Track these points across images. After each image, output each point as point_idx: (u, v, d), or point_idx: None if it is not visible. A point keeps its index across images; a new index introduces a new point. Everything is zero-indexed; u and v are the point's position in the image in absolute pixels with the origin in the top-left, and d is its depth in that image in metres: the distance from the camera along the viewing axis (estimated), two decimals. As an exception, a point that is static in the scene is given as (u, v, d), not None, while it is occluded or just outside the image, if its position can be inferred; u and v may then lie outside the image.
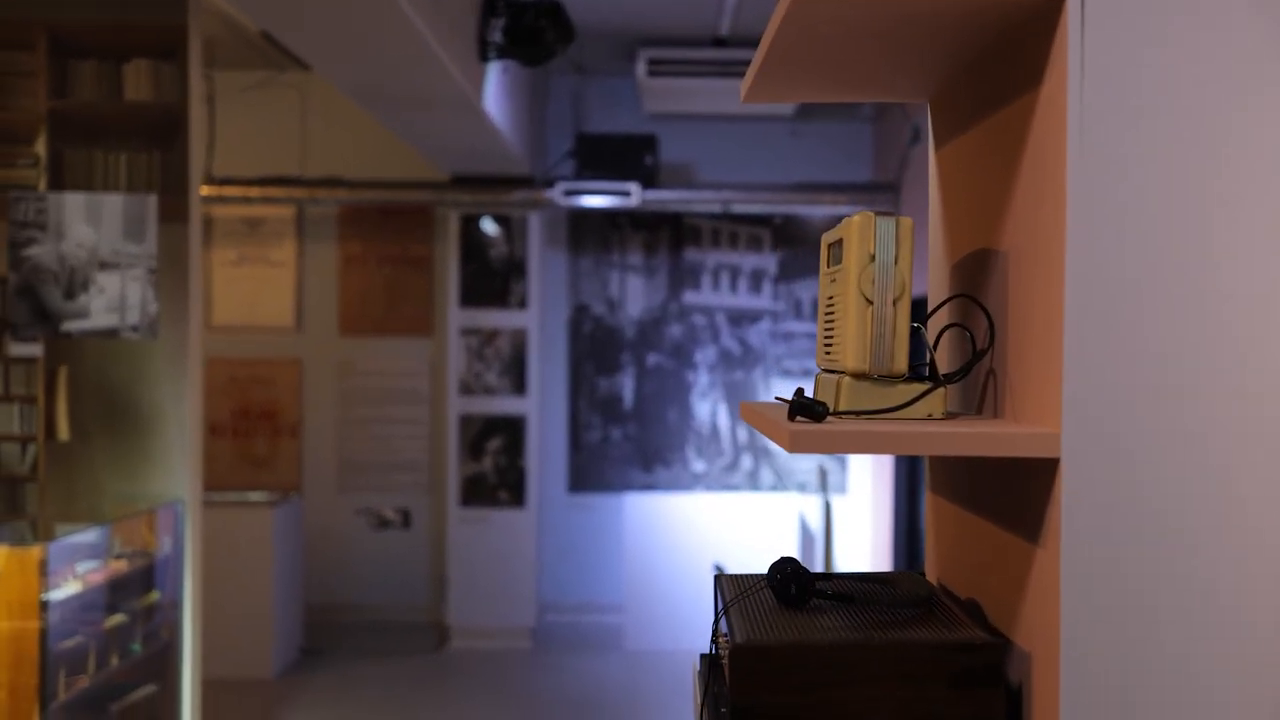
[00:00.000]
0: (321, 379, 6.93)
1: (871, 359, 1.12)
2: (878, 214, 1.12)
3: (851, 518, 6.72)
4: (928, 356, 1.20)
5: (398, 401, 6.92)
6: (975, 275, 1.32)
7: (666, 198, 6.26)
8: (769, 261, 6.85)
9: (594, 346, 6.90)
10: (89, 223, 4.09)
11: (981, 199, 1.31)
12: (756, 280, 6.85)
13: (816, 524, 6.76)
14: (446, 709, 5.28)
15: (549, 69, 6.65)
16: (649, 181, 6.24)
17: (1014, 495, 1.16)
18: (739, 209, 6.59)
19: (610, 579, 6.81)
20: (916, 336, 1.16)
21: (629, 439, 6.88)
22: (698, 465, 6.85)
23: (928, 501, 1.51)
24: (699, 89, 5.94)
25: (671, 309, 6.87)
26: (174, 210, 4.09)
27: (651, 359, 6.87)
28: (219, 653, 5.57)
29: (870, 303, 1.11)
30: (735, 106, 6.32)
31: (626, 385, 6.88)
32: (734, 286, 6.85)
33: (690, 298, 6.87)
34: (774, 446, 6.79)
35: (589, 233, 6.89)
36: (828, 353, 1.21)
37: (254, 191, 6.41)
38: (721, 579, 1.37)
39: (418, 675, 5.80)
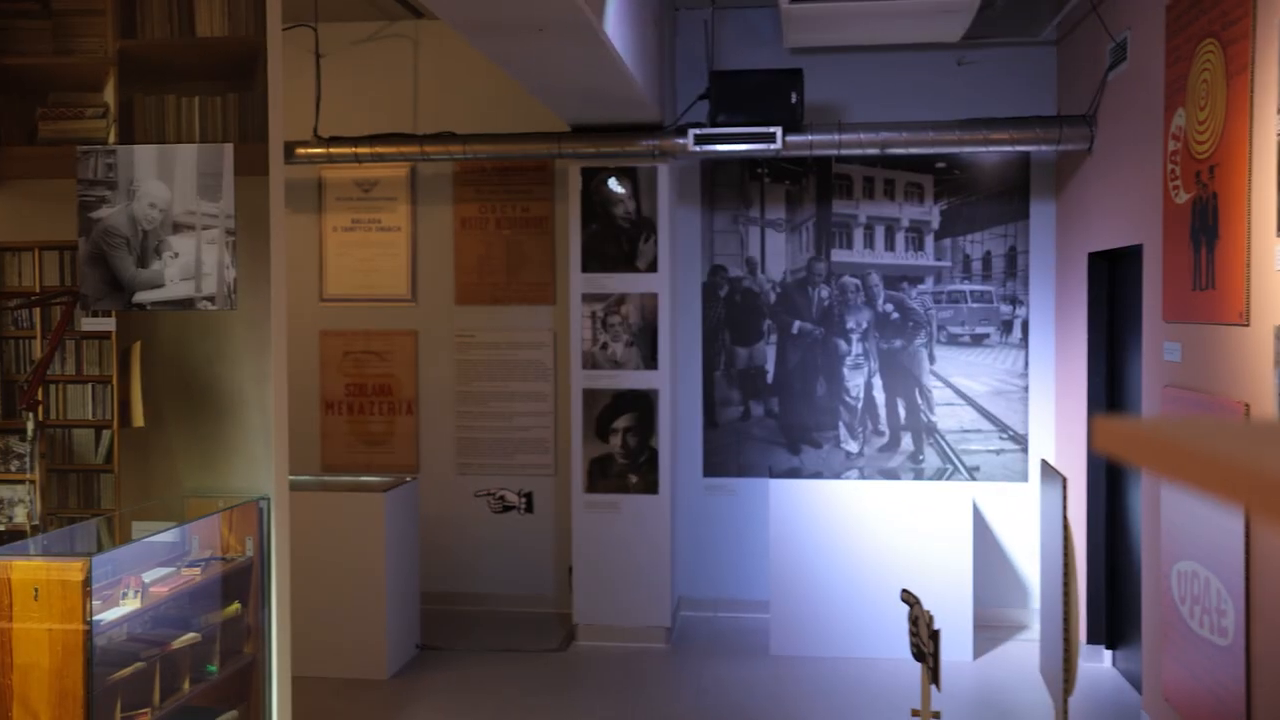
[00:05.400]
0: (438, 352, 6.42)
1: None
2: None
3: (1030, 511, 5.87)
4: None
5: (518, 376, 6.37)
6: None
7: (816, 141, 5.45)
8: (930, 213, 6.02)
9: (731, 313, 6.19)
10: (161, 178, 3.59)
11: None
12: (916, 235, 6.03)
13: (993, 516, 5.94)
14: (571, 718, 4.72)
15: (677, 1, 5.93)
16: (794, 125, 5.46)
17: None
18: (897, 153, 5.76)
19: (752, 574, 6.13)
20: None
21: (772, 416, 6.17)
22: (850, 446, 6.10)
23: None
24: (851, 14, 5.14)
25: (818, 269, 6.11)
26: (253, 161, 3.55)
27: (796, 326, 6.13)
28: (330, 651, 5.13)
29: None
30: (892, 35, 5.50)
31: (768, 356, 6.17)
32: (890, 243, 6.05)
33: (840, 256, 6.09)
34: (942, 423, 5.99)
35: (724, 185, 6.17)
36: None
37: (363, 150, 5.87)
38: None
39: (541, 677, 5.24)
